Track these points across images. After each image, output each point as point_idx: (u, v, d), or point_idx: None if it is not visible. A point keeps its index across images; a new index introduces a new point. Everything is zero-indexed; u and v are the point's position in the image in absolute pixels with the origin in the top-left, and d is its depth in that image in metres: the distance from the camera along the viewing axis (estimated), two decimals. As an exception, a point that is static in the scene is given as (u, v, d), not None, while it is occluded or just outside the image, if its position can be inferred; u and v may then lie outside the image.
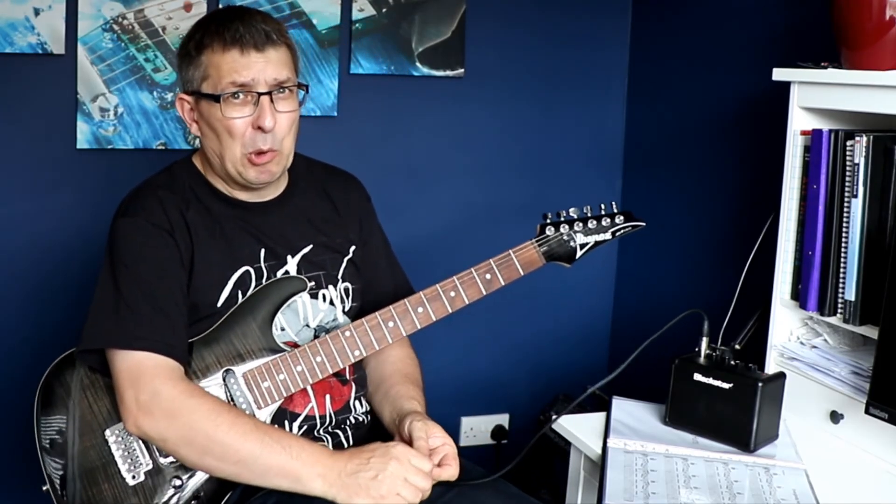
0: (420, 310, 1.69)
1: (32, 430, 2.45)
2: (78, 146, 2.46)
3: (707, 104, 2.63)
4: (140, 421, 1.54)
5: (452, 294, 1.69)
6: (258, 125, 1.64)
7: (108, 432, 1.63)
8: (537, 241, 1.72)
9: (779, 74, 1.92)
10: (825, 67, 1.86)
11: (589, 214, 1.75)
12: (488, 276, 1.69)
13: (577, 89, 2.93)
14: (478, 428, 2.98)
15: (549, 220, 1.73)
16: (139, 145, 2.51)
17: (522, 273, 1.71)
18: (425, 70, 2.74)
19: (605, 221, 1.74)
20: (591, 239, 1.74)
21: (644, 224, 1.74)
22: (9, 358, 2.50)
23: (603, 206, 1.75)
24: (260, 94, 1.64)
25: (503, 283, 1.71)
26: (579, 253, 1.73)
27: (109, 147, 2.49)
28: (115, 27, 2.44)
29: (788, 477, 1.68)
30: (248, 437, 1.53)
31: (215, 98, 1.64)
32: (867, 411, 1.68)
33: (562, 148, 2.95)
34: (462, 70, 2.78)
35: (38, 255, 2.49)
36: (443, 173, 2.83)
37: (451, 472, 1.61)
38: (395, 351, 1.87)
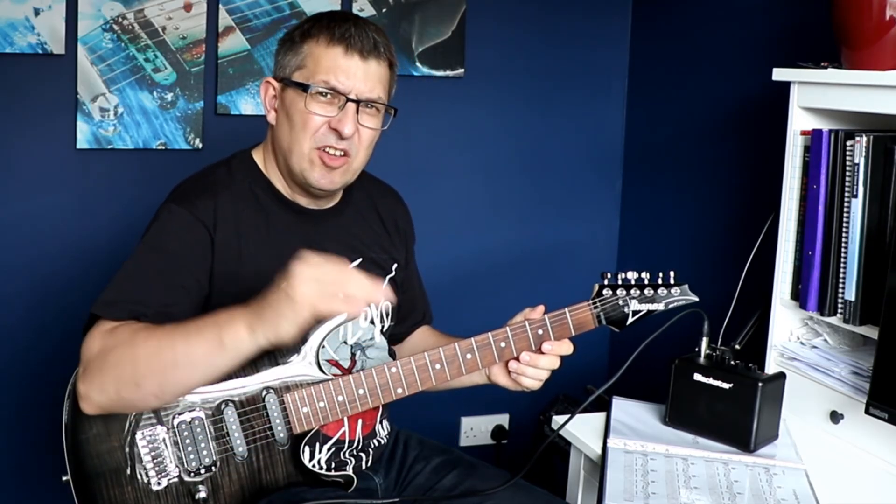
0: (469, 356, 1.63)
1: (38, 423, 2.49)
2: (78, 146, 2.46)
3: (707, 104, 2.63)
4: (83, 397, 1.47)
5: (503, 345, 1.64)
6: (336, 128, 1.62)
7: (138, 434, 1.56)
8: (593, 303, 1.65)
9: (779, 74, 1.92)
10: (825, 67, 1.86)
11: (646, 280, 1.67)
12: (540, 332, 1.64)
13: (577, 89, 2.93)
14: (478, 428, 2.98)
15: (607, 282, 1.67)
16: (139, 145, 2.51)
17: (574, 333, 1.65)
18: (425, 70, 2.74)
19: (662, 291, 1.66)
20: (645, 308, 1.66)
21: (697, 300, 1.67)
22: (9, 357, 2.50)
23: (661, 274, 1.68)
24: (348, 100, 1.62)
25: (553, 340, 1.66)
26: (630, 319, 1.66)
27: (109, 147, 2.48)
28: (115, 27, 2.44)
29: (788, 477, 1.68)
30: (164, 340, 1.46)
31: (303, 87, 1.61)
32: (867, 411, 1.68)
33: (562, 148, 2.95)
34: (462, 70, 2.78)
35: (38, 254, 2.49)
36: (443, 173, 2.83)
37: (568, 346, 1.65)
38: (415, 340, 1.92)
